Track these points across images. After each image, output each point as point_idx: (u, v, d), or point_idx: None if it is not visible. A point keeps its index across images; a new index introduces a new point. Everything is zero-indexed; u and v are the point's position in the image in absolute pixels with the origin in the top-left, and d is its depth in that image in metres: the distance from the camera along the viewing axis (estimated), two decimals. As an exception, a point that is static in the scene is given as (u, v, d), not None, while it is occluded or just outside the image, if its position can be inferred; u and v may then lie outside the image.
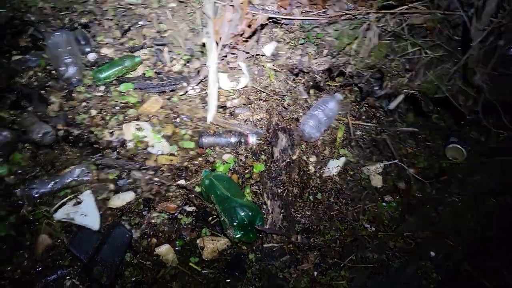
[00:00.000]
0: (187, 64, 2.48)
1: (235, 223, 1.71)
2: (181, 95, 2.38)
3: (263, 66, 2.39)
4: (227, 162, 2.10)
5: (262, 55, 2.38)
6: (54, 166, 2.04)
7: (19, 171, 1.99)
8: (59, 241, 1.78)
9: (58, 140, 2.14)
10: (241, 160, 2.13)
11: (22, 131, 2.11)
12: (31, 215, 1.85)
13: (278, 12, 2.31)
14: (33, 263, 1.72)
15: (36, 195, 1.90)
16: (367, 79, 2.27)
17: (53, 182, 1.94)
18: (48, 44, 2.36)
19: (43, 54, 2.47)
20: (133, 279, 1.72)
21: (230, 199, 1.78)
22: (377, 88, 2.33)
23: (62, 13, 2.52)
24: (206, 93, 2.37)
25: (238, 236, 1.73)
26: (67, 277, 1.70)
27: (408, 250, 1.88)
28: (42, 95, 2.30)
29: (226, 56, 2.34)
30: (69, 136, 2.16)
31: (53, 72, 2.42)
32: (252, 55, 2.36)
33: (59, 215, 1.84)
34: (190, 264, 1.78)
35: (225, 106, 2.32)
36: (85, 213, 1.85)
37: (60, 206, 1.87)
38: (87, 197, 1.91)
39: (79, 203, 1.88)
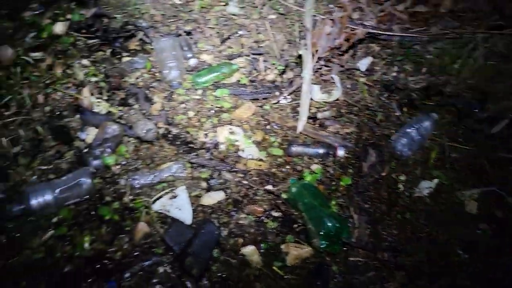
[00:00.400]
0: (281, 74, 2.55)
1: (321, 233, 1.73)
2: (273, 103, 2.45)
3: (357, 81, 2.40)
4: (315, 173, 2.12)
5: (357, 70, 2.38)
6: (153, 161, 2.20)
7: (123, 162, 2.18)
8: (155, 230, 1.92)
9: (158, 137, 2.30)
10: (328, 171, 2.14)
11: (129, 126, 2.30)
12: (132, 203, 2.00)
13: (377, 28, 2.31)
14: (131, 247, 1.87)
15: (137, 186, 2.06)
16: (468, 100, 2.18)
17: (152, 175, 2.09)
18: (156, 48, 2.57)
19: (149, 57, 2.68)
20: (219, 274, 1.80)
21: (318, 209, 1.80)
22: (478, 110, 2.23)
23: (170, 20, 2.72)
24: (297, 103, 2.43)
25: (323, 246, 1.75)
26: (160, 265, 1.82)
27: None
28: (147, 95, 2.49)
29: (320, 68, 2.38)
30: (168, 134, 2.32)
31: (157, 74, 2.62)
32: (347, 69, 2.38)
33: (157, 206, 1.98)
34: (274, 267, 1.82)
35: (316, 117, 2.36)
36: (180, 207, 1.97)
37: (157, 198, 2.01)
38: (182, 192, 2.03)
39: (174, 197, 2.01)
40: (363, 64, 2.35)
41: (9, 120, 2.28)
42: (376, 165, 2.07)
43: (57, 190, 1.95)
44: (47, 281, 1.77)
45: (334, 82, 2.39)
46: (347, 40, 2.25)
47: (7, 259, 1.83)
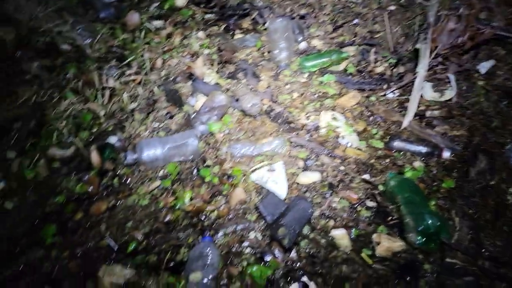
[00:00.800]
0: (392, 68, 2.50)
1: (419, 228, 1.68)
2: (380, 96, 2.41)
3: (474, 83, 2.27)
4: (416, 170, 2.06)
5: (476, 72, 2.26)
6: (254, 134, 2.28)
7: (227, 132, 2.28)
8: (250, 198, 1.99)
9: (261, 113, 2.38)
10: (431, 171, 2.07)
11: (235, 99, 2.40)
12: (231, 170, 2.10)
13: (506, 30, 2.16)
14: (227, 209, 1.96)
15: (237, 155, 2.15)
16: None
17: (252, 147, 2.17)
18: (269, 28, 2.64)
19: (260, 37, 2.77)
20: (307, 250, 1.82)
21: (418, 204, 1.75)
22: None
23: (286, 2, 2.78)
24: (405, 98, 2.37)
25: (419, 241, 1.70)
26: (251, 230, 1.89)
27: None
28: (255, 72, 2.58)
29: (436, 66, 2.29)
30: (271, 112, 2.38)
31: (266, 54, 2.70)
32: (465, 70, 2.26)
33: (254, 176, 2.05)
34: (362, 254, 1.81)
35: (424, 115, 2.27)
36: (276, 181, 2.03)
37: (256, 169, 2.08)
38: (279, 167, 2.08)
39: (272, 170, 2.06)
40: (484, 66, 2.22)
41: (130, 78, 2.49)
42: (485, 173, 1.95)
43: (167, 147, 2.10)
44: (152, 225, 1.92)
45: (448, 82, 2.29)
46: (471, 39, 2.14)
47: (117, 200, 2.01)
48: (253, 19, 2.91)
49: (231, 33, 2.86)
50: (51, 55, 2.51)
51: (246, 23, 2.94)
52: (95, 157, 2.07)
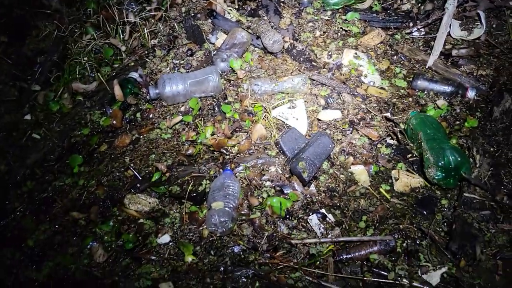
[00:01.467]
0: (419, 5, 2.40)
1: (440, 163, 1.69)
2: (405, 34, 2.34)
3: (505, 21, 2.18)
4: (439, 108, 2.03)
5: (508, 9, 2.16)
6: (275, 72, 2.26)
7: (248, 69, 2.26)
8: (271, 134, 2.01)
9: (283, 50, 2.34)
10: (454, 110, 2.04)
11: (256, 36, 2.36)
12: (251, 106, 2.10)
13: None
14: (248, 144, 1.99)
15: (258, 92, 2.14)
16: None
17: (273, 84, 2.16)
18: (292, -37, 2.54)
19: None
20: (326, 184, 1.86)
21: (440, 140, 1.75)
22: None
23: None
24: (431, 37, 2.30)
25: (438, 177, 1.71)
26: (272, 165, 1.92)
27: None
28: (277, 9, 2.51)
29: (466, 2, 2.19)
30: (292, 49, 2.35)
31: (288, -10, 2.62)
32: (496, 7, 2.16)
33: (275, 113, 2.06)
34: (380, 189, 1.83)
35: (450, 54, 2.21)
36: (297, 117, 2.03)
37: (277, 106, 2.08)
38: (300, 104, 2.08)
39: (293, 107, 2.07)
40: (517, 3, 2.12)
41: (150, 14, 2.46)
42: (510, 112, 1.92)
43: (188, 82, 2.11)
44: (174, 157, 1.97)
45: (478, 19, 2.20)
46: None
47: (140, 134, 2.06)
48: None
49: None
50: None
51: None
52: (117, 91, 2.10)
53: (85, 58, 2.21)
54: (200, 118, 2.10)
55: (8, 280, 1.60)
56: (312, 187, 1.85)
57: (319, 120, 2.05)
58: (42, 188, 1.84)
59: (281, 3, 2.53)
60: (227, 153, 1.97)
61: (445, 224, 1.69)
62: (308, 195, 1.83)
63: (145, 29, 2.36)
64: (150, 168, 1.94)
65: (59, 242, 1.69)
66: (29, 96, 2.06)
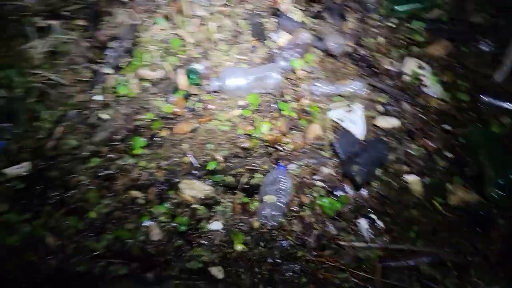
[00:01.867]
0: (490, 18, 2.35)
1: (501, 182, 1.65)
2: (472, 46, 2.29)
3: None
4: (504, 126, 1.98)
5: None
6: (335, 75, 2.28)
7: (308, 70, 2.29)
8: (326, 135, 2.03)
9: (344, 54, 2.35)
10: (519, 129, 1.99)
11: (319, 38, 2.39)
12: (309, 106, 2.13)
13: None
14: (302, 143, 2.02)
15: (316, 92, 2.17)
16: None
17: (332, 86, 2.18)
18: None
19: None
20: (378, 191, 1.86)
21: (503, 159, 1.72)
22: None
23: None
24: (501, 52, 2.23)
25: (497, 196, 1.67)
26: (325, 165, 1.95)
27: None
28: (341, 12, 2.52)
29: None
30: (354, 54, 2.35)
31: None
32: None
33: (332, 114, 2.08)
34: (434, 201, 1.81)
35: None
36: (354, 121, 2.04)
37: (334, 108, 2.10)
38: (357, 108, 2.09)
39: (350, 111, 2.08)
40: None
41: (217, 9, 2.54)
42: None
43: (250, 77, 2.17)
44: (230, 149, 2.03)
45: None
46: None
47: (199, 123, 2.13)
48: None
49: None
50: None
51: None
52: (182, 80, 2.19)
53: (154, 47, 2.32)
54: (258, 113, 2.15)
55: (69, 248, 1.71)
56: (364, 192, 1.86)
57: (376, 126, 2.05)
58: (106, 165, 1.95)
59: (345, 7, 2.54)
60: (281, 150, 2.01)
61: (500, 241, 1.65)
62: (359, 199, 1.84)
63: (210, 22, 2.44)
64: (207, 157, 2.01)
65: (119, 217, 1.79)
66: (101, 78, 2.18)
